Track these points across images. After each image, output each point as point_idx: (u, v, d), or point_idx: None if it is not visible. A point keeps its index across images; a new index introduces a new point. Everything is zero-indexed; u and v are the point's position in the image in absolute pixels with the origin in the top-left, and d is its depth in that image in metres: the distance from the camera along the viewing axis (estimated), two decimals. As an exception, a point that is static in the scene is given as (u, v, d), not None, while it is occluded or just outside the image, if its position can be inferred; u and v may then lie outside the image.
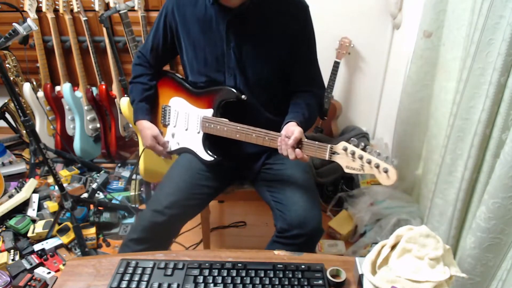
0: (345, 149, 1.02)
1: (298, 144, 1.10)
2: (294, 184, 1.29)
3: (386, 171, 0.96)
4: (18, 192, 2.05)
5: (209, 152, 1.31)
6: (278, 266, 0.97)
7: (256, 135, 1.17)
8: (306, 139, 1.11)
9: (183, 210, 1.27)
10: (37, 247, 1.84)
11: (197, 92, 1.32)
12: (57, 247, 1.87)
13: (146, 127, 1.37)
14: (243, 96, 1.24)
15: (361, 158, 0.99)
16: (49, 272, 1.69)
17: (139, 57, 1.45)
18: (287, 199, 1.25)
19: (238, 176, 1.46)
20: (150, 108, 1.41)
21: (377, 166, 0.97)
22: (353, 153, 1.00)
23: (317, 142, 1.07)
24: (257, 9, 1.20)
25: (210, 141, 1.32)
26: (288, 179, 1.31)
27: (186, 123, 1.35)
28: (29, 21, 1.41)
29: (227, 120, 1.24)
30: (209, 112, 1.28)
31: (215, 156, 1.31)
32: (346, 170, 1.03)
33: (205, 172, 1.34)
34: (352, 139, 1.02)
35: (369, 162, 0.98)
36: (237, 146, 1.34)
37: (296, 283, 0.93)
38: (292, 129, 1.11)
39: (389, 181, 0.97)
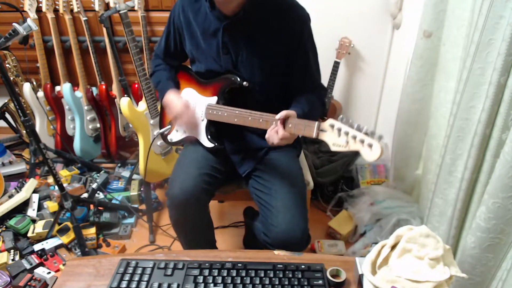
0: (332, 126, 1.00)
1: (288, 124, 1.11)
2: (280, 197, 1.27)
3: (370, 146, 0.93)
4: (18, 192, 2.05)
5: (209, 137, 1.36)
6: (278, 266, 0.97)
7: (252, 118, 1.19)
8: (295, 119, 1.10)
9: (200, 190, 1.29)
10: (37, 247, 1.84)
11: (205, 82, 1.37)
12: (57, 247, 1.87)
13: (177, 97, 1.35)
14: (244, 83, 1.27)
15: (347, 134, 0.97)
16: (49, 272, 1.69)
17: (156, 58, 1.51)
18: (271, 215, 1.24)
19: (236, 174, 1.45)
20: (175, 87, 1.42)
21: (362, 141, 0.94)
22: (339, 129, 0.98)
23: (306, 120, 1.07)
24: (254, 17, 1.22)
25: (213, 129, 1.38)
26: (275, 193, 1.29)
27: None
28: (29, 21, 1.41)
29: (227, 106, 1.28)
30: (213, 99, 1.33)
31: (216, 143, 1.35)
32: (333, 148, 1.00)
33: (211, 156, 1.39)
34: (341, 116, 1.00)
35: (354, 138, 0.96)
36: (239, 138, 1.40)
37: (296, 283, 0.93)
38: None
39: (372, 156, 0.93)
